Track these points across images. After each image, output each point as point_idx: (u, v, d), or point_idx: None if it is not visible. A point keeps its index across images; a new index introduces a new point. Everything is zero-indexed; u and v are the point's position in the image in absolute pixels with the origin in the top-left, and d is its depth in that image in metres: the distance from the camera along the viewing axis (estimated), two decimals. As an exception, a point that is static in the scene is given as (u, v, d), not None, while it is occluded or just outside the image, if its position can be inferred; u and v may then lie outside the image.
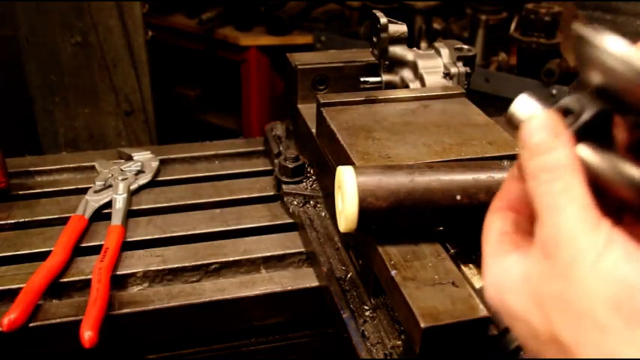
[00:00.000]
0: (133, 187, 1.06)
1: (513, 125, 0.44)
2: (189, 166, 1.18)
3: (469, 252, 0.69)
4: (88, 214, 0.97)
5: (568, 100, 0.42)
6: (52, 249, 0.88)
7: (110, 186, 1.04)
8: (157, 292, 0.86)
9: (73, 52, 2.19)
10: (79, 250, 0.91)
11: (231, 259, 0.90)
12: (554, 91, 1.93)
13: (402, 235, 0.71)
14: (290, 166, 1.01)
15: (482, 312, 0.59)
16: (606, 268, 0.37)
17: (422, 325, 0.58)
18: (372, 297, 0.75)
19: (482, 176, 0.69)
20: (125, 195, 1.02)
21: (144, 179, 1.09)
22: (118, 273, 0.86)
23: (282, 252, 0.92)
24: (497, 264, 0.44)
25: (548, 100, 0.44)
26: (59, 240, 0.90)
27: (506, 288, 0.42)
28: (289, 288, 0.87)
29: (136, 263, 0.89)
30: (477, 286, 0.65)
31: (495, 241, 0.45)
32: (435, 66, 1.01)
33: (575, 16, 2.32)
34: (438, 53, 1.02)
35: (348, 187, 0.68)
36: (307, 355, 0.97)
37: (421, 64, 1.01)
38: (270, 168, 1.14)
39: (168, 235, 0.96)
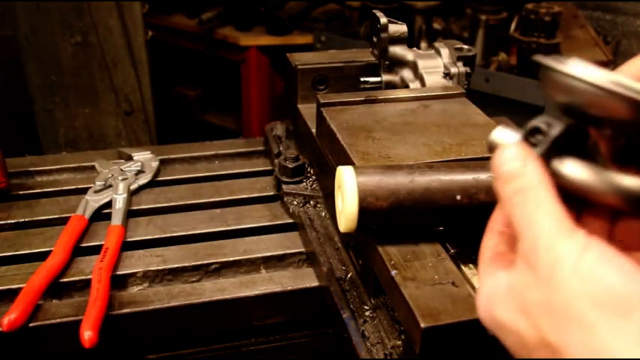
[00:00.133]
0: (133, 187, 1.06)
1: (493, 152, 0.48)
2: (189, 166, 1.18)
3: (469, 252, 0.69)
4: (88, 214, 0.97)
5: (536, 121, 0.45)
6: (52, 249, 0.88)
7: (110, 186, 1.04)
8: (157, 292, 0.86)
9: (73, 52, 2.19)
10: (79, 250, 0.91)
11: (231, 259, 0.90)
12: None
13: (402, 235, 0.71)
14: (290, 166, 1.01)
15: (483, 312, 0.59)
16: (585, 271, 0.39)
17: (422, 325, 0.58)
18: (372, 297, 0.75)
19: (483, 176, 0.68)
20: (125, 195, 1.02)
21: (144, 179, 1.09)
22: (118, 273, 0.86)
23: (282, 252, 0.92)
24: (489, 280, 0.46)
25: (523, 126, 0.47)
26: (59, 240, 0.90)
27: (494, 300, 0.44)
28: (289, 288, 0.87)
29: (136, 263, 0.89)
30: (477, 286, 0.65)
31: (489, 258, 0.47)
32: (435, 66, 1.01)
33: (575, 16, 2.32)
34: (438, 53, 1.02)
35: (348, 187, 0.68)
36: (307, 355, 0.97)
37: (421, 64, 1.01)
38: (270, 168, 1.14)
39: (168, 235, 0.96)
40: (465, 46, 1.03)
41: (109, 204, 1.00)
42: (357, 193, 0.67)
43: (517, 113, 1.43)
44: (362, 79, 1.04)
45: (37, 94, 2.23)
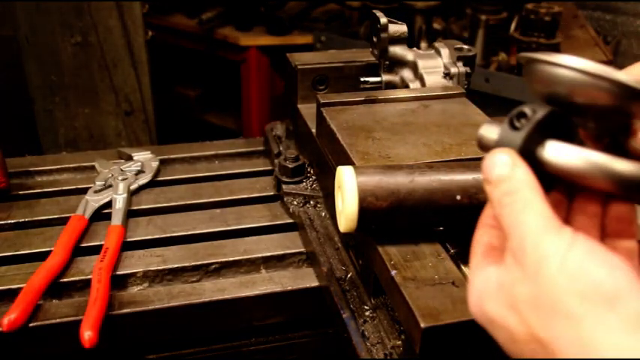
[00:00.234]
0: (133, 187, 1.06)
1: (483, 148, 0.50)
2: (189, 166, 1.18)
3: (469, 252, 0.69)
4: (88, 214, 0.97)
5: (521, 107, 0.47)
6: (52, 249, 0.88)
7: (110, 186, 1.04)
8: (157, 292, 0.86)
9: (73, 52, 2.19)
10: (79, 250, 0.91)
11: (231, 259, 0.90)
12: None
13: (402, 235, 0.71)
14: (290, 166, 1.01)
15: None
16: (572, 267, 0.40)
17: (422, 325, 0.58)
18: (372, 297, 0.75)
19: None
20: (125, 195, 1.02)
21: (144, 179, 1.09)
22: (118, 273, 0.86)
23: (282, 252, 0.92)
24: (480, 275, 0.47)
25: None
26: (59, 240, 0.90)
27: (484, 296, 0.45)
28: (289, 288, 0.87)
29: (136, 263, 0.89)
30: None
31: (481, 253, 0.48)
32: (435, 66, 1.01)
33: (575, 16, 2.32)
34: (438, 53, 1.02)
35: (348, 187, 0.68)
36: (307, 355, 0.97)
37: (421, 64, 1.01)
38: (270, 168, 1.14)
39: (168, 235, 0.96)
40: (465, 46, 1.03)
41: (109, 204, 1.00)
42: (357, 193, 0.67)
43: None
44: (362, 79, 1.04)
45: (37, 94, 2.23)
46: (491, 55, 2.18)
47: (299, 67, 1.05)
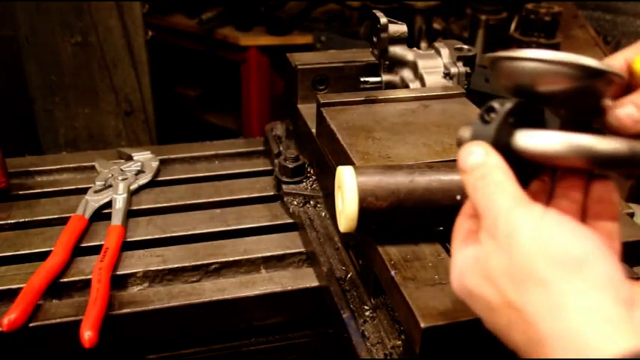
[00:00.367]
0: (133, 187, 1.06)
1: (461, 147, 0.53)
2: (189, 166, 1.18)
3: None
4: (88, 214, 0.97)
5: (490, 102, 0.50)
6: (52, 249, 0.88)
7: (110, 186, 1.04)
8: (157, 292, 0.86)
9: (73, 52, 2.19)
10: (79, 250, 0.91)
11: (231, 259, 0.90)
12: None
13: (402, 235, 0.71)
14: (290, 166, 1.01)
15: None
16: (542, 235, 0.43)
17: (422, 325, 0.58)
18: (372, 297, 0.75)
19: (482, 176, 0.68)
20: (125, 195, 1.02)
21: (144, 179, 1.09)
22: (118, 273, 0.86)
23: (282, 252, 0.92)
24: (459, 254, 0.50)
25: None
26: (59, 240, 0.90)
27: (463, 271, 0.48)
28: (289, 288, 0.87)
29: (136, 263, 0.89)
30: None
31: (462, 237, 0.51)
32: (435, 66, 1.01)
33: (575, 16, 2.32)
34: (438, 53, 1.02)
35: (348, 187, 0.68)
36: (307, 355, 0.97)
37: (421, 64, 1.01)
38: (270, 168, 1.14)
39: (168, 235, 0.96)
40: (465, 46, 1.03)
41: (109, 204, 1.00)
42: (357, 193, 0.67)
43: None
44: (362, 79, 1.04)
45: (37, 94, 2.23)
46: (492, 55, 2.17)
47: (299, 67, 1.05)
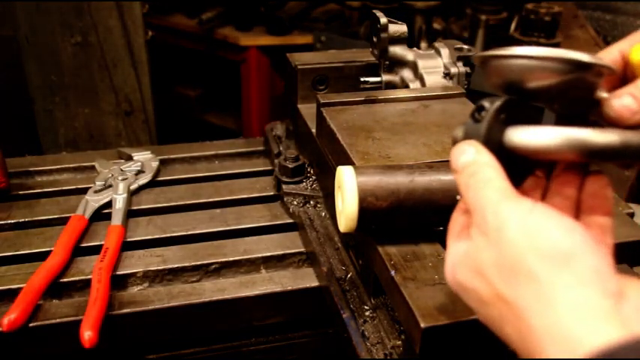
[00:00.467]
0: (133, 187, 1.06)
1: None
2: (189, 166, 1.18)
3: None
4: (88, 214, 0.97)
5: (481, 101, 0.50)
6: (52, 249, 0.88)
7: (110, 186, 1.04)
8: (157, 292, 0.86)
9: (73, 52, 2.19)
10: (79, 250, 0.91)
11: (231, 259, 0.90)
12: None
13: (402, 235, 0.71)
14: (290, 166, 1.01)
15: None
16: (530, 229, 0.43)
17: (422, 325, 0.58)
18: (372, 297, 0.75)
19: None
20: (125, 195, 1.02)
21: (144, 179, 1.09)
22: (118, 273, 0.86)
23: (282, 252, 0.92)
24: (453, 249, 0.51)
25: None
26: (59, 240, 0.90)
27: (456, 265, 0.49)
28: (289, 288, 0.87)
29: (136, 263, 0.89)
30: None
31: (457, 232, 0.52)
32: (435, 66, 1.01)
33: (575, 16, 2.32)
34: (438, 53, 1.02)
35: (348, 187, 0.68)
36: (307, 355, 0.97)
37: (421, 64, 1.01)
38: (270, 168, 1.14)
39: (168, 235, 0.96)
40: (465, 46, 1.03)
41: (109, 204, 1.00)
42: (357, 193, 0.67)
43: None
44: (362, 79, 1.04)
45: (37, 94, 2.23)
46: (491, 55, 2.17)
47: (299, 67, 1.05)
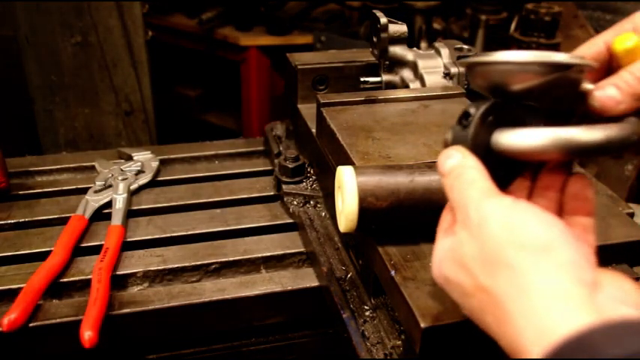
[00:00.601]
0: (133, 187, 1.06)
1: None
2: (189, 166, 1.18)
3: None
4: (88, 214, 0.97)
5: (466, 107, 0.52)
6: (52, 249, 0.88)
7: (110, 186, 1.04)
8: (157, 292, 0.86)
9: (73, 52, 2.19)
10: (79, 250, 0.91)
11: (231, 259, 0.90)
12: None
13: (402, 235, 0.71)
14: (290, 166, 1.01)
15: (482, 312, 0.59)
16: (511, 222, 0.45)
17: (422, 325, 0.58)
18: (372, 297, 0.75)
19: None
20: (125, 195, 1.02)
21: (144, 179, 1.09)
22: (118, 273, 0.86)
23: (282, 252, 0.92)
24: (440, 245, 0.53)
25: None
26: (59, 240, 0.90)
27: (442, 260, 0.51)
28: (289, 288, 0.87)
29: (136, 263, 0.89)
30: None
31: (444, 229, 0.54)
32: (435, 66, 1.01)
33: (575, 16, 2.32)
34: (438, 53, 1.02)
35: (348, 187, 0.68)
36: (307, 355, 0.97)
37: (421, 64, 1.01)
38: (270, 168, 1.14)
39: (168, 235, 0.96)
40: (465, 46, 1.04)
41: (109, 204, 1.00)
42: (357, 193, 0.67)
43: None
44: (362, 79, 1.04)
45: (37, 94, 2.23)
46: (491, 55, 2.17)
47: (299, 67, 1.05)
